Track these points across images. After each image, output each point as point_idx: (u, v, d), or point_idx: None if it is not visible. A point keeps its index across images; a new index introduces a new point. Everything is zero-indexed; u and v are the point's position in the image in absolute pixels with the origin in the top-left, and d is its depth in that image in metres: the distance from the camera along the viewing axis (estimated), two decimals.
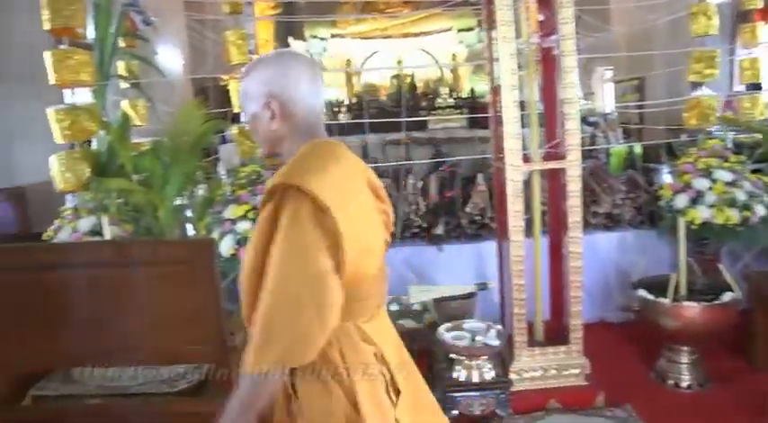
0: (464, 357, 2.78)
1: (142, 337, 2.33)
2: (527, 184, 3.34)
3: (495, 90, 3.63)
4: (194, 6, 7.25)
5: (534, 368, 3.28)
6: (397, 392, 1.53)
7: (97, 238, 3.56)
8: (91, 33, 4.27)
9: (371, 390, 1.46)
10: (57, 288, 2.29)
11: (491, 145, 3.79)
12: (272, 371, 1.32)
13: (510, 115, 3.15)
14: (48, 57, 3.93)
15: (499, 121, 3.33)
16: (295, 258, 1.31)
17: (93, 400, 2.43)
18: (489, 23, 3.64)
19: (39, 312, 2.32)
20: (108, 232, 3.25)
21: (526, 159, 3.27)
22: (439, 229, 4.12)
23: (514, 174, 3.20)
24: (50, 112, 3.95)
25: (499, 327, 2.92)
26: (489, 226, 4.14)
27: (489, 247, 4.05)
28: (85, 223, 3.61)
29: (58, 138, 3.92)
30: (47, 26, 3.90)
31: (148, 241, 2.70)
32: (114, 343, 2.36)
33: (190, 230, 4.03)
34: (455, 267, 4.11)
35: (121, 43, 4.57)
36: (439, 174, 4.60)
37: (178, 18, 7.37)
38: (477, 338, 2.76)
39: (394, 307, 3.42)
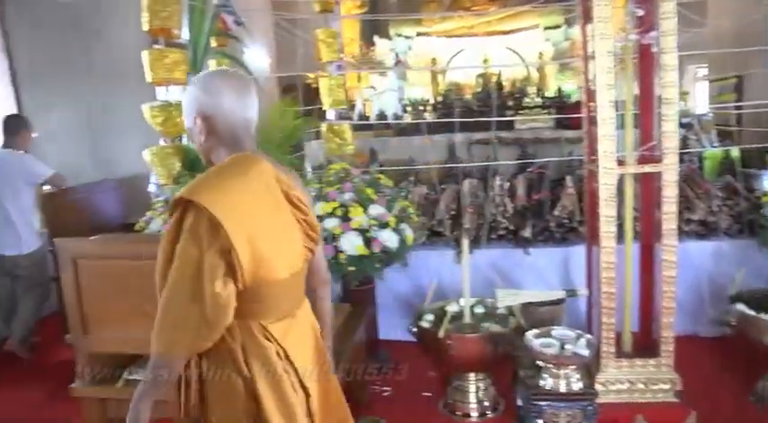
0: (552, 365, 2.68)
1: None
2: (619, 188, 3.20)
3: (589, 89, 3.50)
4: (282, 6, 7.38)
5: (621, 380, 3.13)
6: (307, 395, 1.66)
7: None
8: (185, 34, 4.41)
9: (274, 385, 1.60)
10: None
11: (583, 146, 3.66)
12: (164, 357, 1.51)
13: (605, 116, 3.01)
14: (145, 56, 4.07)
15: (593, 122, 3.20)
16: (188, 267, 1.49)
17: None
18: (585, 20, 3.50)
19: (136, 299, 2.39)
20: None
21: (620, 162, 3.13)
22: (526, 232, 4.01)
23: (608, 177, 3.06)
24: (145, 108, 4.09)
25: (589, 336, 2.81)
26: (578, 230, 4.01)
27: (577, 252, 3.92)
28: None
29: (154, 131, 4.07)
30: (145, 27, 4.03)
31: None
32: None
33: None
34: (541, 271, 4.01)
35: (213, 43, 4.69)
36: (527, 175, 4.48)
37: (266, 17, 7.51)
38: (567, 347, 2.66)
39: (478, 309, 3.35)
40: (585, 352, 2.68)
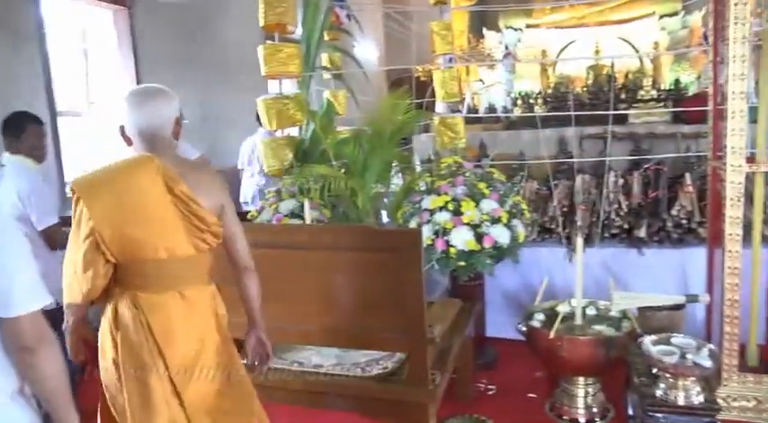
0: (670, 375, 2.56)
1: (344, 320, 2.40)
2: (747, 187, 3.00)
3: (716, 79, 3.31)
4: (393, 2, 7.41)
5: (746, 397, 2.95)
6: (165, 365, 1.88)
7: (297, 222, 3.76)
8: (299, 28, 4.51)
9: (131, 347, 1.87)
10: (271, 265, 2.43)
11: (708, 142, 3.47)
12: (67, 306, 1.95)
13: (736, 109, 2.84)
14: (260, 50, 4.20)
15: (719, 115, 3.02)
16: (73, 241, 1.87)
17: (286, 373, 2.56)
18: (715, 3, 3.30)
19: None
20: (308, 216, 3.39)
21: (749, 159, 2.94)
22: (641, 232, 3.85)
23: (735, 175, 2.89)
24: (260, 100, 4.23)
25: (712, 346, 2.66)
26: (697, 231, 3.81)
27: (695, 255, 3.75)
28: (286, 206, 3.81)
29: (267, 125, 4.19)
30: (261, 23, 4.16)
31: (361, 228, 2.79)
32: (316, 322, 2.46)
33: (384, 218, 4.13)
34: (656, 274, 3.84)
35: (325, 37, 4.78)
36: (642, 172, 4.29)
37: (376, 10, 7.58)
38: (688, 356, 2.53)
39: (591, 311, 3.24)
40: (708, 363, 2.53)
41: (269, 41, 4.53)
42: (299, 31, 4.52)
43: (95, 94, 6.16)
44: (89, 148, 5.98)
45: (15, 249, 1.47)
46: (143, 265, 1.90)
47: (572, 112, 4.30)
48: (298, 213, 3.77)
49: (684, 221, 3.85)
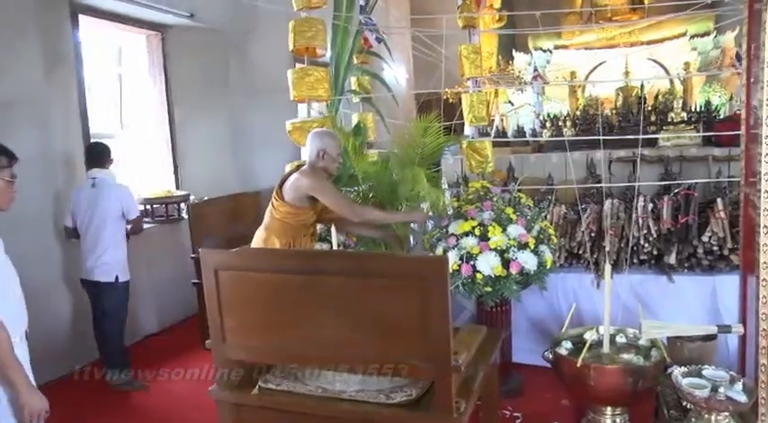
0: (702, 409, 2.49)
1: (369, 346, 2.39)
2: None
3: (749, 102, 3.25)
4: (420, 21, 7.45)
5: None
6: None
7: (324, 246, 3.78)
8: (329, 51, 4.55)
9: None
10: (297, 290, 2.45)
11: (740, 167, 3.41)
12: None
13: None
14: (289, 74, 4.25)
15: (752, 139, 2.96)
16: None
17: (309, 399, 2.55)
18: (750, 23, 3.25)
19: (271, 311, 2.50)
20: (335, 239, 3.40)
21: None
22: (671, 258, 3.79)
23: None
24: (289, 124, 4.27)
25: (747, 380, 2.59)
26: (729, 258, 3.73)
27: (727, 282, 3.67)
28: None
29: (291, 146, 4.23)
30: (291, 47, 4.21)
31: (387, 256, 2.80)
32: (341, 348, 2.45)
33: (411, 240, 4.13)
34: (686, 301, 3.76)
35: (354, 60, 4.82)
36: (672, 196, 4.23)
37: (404, 33, 7.63)
38: (720, 390, 2.46)
39: (619, 339, 3.19)
40: (743, 398, 2.46)
41: (298, 65, 4.59)
42: (328, 54, 4.57)
43: (127, 117, 6.28)
44: (121, 168, 6.09)
45: None
46: None
47: (601, 137, 4.24)
48: (325, 236, 3.79)
49: (716, 248, 3.77)
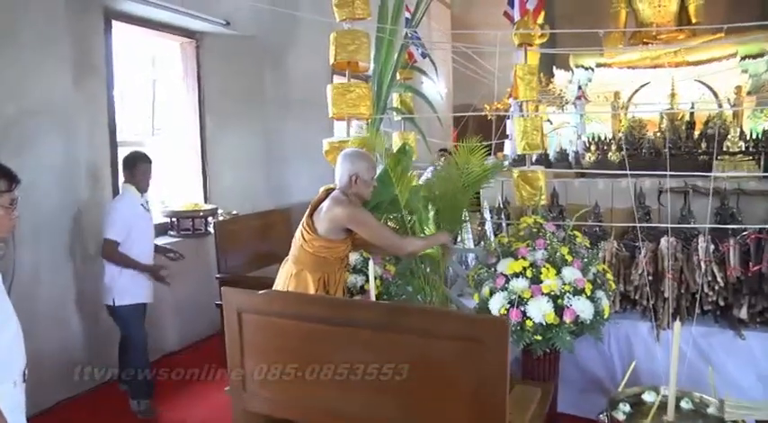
0: None
1: (415, 410, 2.11)
2: None
3: None
4: (461, 36, 7.19)
5: None
6: None
7: (360, 278, 3.50)
8: (371, 66, 4.29)
9: None
10: (331, 343, 2.19)
11: None
12: None
13: None
14: (329, 90, 3.98)
15: None
16: None
17: None
18: None
19: (298, 362, 2.24)
20: (372, 272, 3.11)
21: None
22: (741, 312, 3.44)
23: None
24: (326, 143, 4.01)
25: None
26: None
27: None
28: (351, 260, 3.56)
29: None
30: (332, 60, 3.96)
31: (439, 313, 2.51)
32: (384, 411, 2.18)
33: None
34: (756, 360, 3.40)
35: (398, 76, 4.55)
36: (740, 239, 3.86)
37: (445, 48, 7.37)
38: None
39: (685, 404, 2.84)
40: None
41: (337, 78, 4.31)
42: (371, 68, 4.31)
43: (160, 123, 6.08)
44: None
45: None
46: None
47: (666, 172, 3.89)
48: (361, 268, 3.52)
49: None
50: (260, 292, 2.36)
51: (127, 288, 4.03)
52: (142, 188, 4.15)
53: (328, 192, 3.07)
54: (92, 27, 4.68)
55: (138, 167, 4.11)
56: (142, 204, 4.15)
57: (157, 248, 4.37)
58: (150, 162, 4.17)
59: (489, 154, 4.39)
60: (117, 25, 5.05)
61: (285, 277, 3.08)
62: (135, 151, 4.27)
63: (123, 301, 4.03)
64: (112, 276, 4.02)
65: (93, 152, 4.68)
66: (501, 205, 4.88)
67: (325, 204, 2.98)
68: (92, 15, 4.67)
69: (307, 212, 3.05)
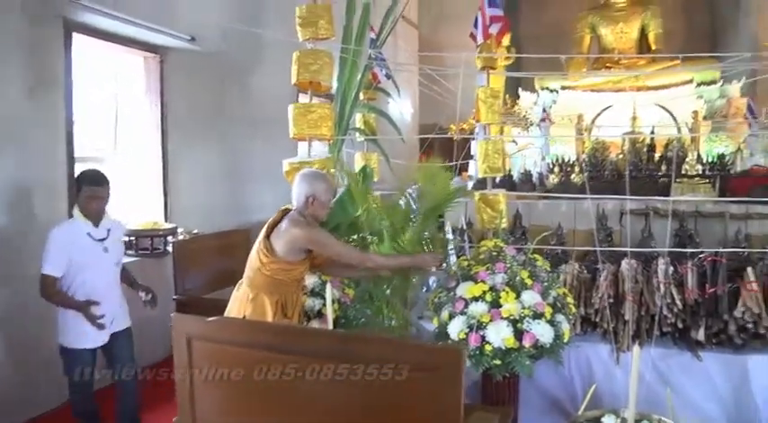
0: None
1: None
2: None
3: None
4: (428, 57, 7.23)
5: None
6: None
7: (318, 301, 3.45)
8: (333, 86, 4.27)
9: None
10: (281, 372, 2.11)
11: None
12: None
13: None
14: (290, 110, 3.95)
15: None
16: None
17: None
18: None
19: (254, 399, 2.16)
20: (329, 296, 3.06)
21: None
22: (699, 334, 3.46)
23: None
24: (286, 163, 3.96)
25: None
26: (765, 337, 3.40)
27: (763, 364, 3.36)
28: (307, 282, 3.51)
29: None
30: (293, 79, 3.93)
31: (389, 340, 2.45)
32: None
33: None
34: (713, 381, 3.43)
35: (361, 96, 4.54)
36: (697, 262, 3.90)
37: (412, 69, 7.40)
38: None
39: None
40: None
41: (303, 98, 4.28)
42: (334, 88, 4.29)
43: (123, 139, 5.97)
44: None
45: None
46: None
47: (626, 196, 3.92)
48: (318, 291, 3.46)
49: (750, 325, 3.43)
50: (210, 318, 2.28)
51: (70, 329, 3.50)
52: (89, 214, 3.53)
53: (284, 212, 3.03)
54: (50, 39, 4.56)
55: (82, 190, 3.52)
56: (89, 233, 3.52)
57: (133, 284, 3.90)
58: (100, 184, 3.55)
59: (454, 173, 4.41)
60: (78, 38, 4.95)
61: (241, 302, 3.01)
62: (85, 170, 3.72)
63: (67, 342, 3.52)
64: (61, 313, 3.52)
65: (49, 169, 4.56)
66: (464, 227, 4.87)
67: (283, 225, 2.93)
68: (50, 27, 4.56)
69: (262, 234, 2.99)
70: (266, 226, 3.00)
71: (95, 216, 3.56)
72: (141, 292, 3.80)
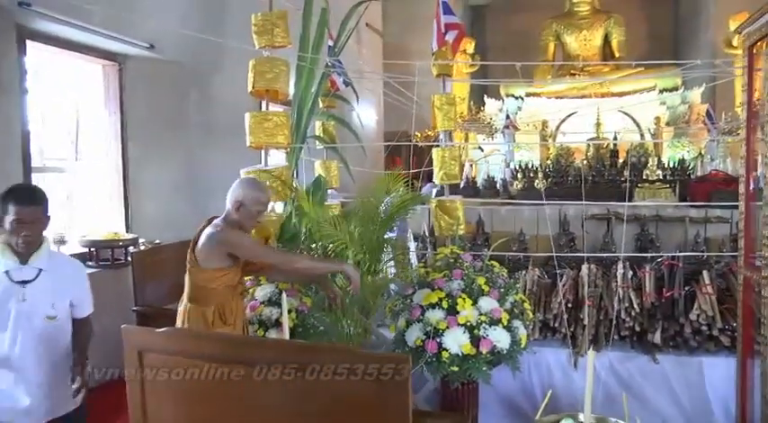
0: None
1: None
2: None
3: (749, 172, 2.98)
4: (392, 64, 7.23)
5: None
6: None
7: (274, 310, 3.40)
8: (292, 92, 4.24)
9: None
10: (224, 386, 2.07)
11: (741, 245, 3.12)
12: None
13: None
14: (247, 118, 3.92)
15: (754, 216, 2.69)
16: None
17: None
18: (750, 72, 3.00)
19: (210, 405, 2.11)
20: (286, 305, 3.01)
21: None
22: (655, 337, 3.48)
23: None
24: (243, 173, 3.93)
25: None
26: (718, 339, 3.44)
27: (716, 365, 3.40)
28: (263, 292, 3.47)
29: None
30: (249, 88, 3.90)
31: (335, 348, 2.43)
32: None
33: None
34: (670, 383, 3.45)
35: (320, 104, 4.52)
36: (655, 266, 3.94)
37: (375, 77, 7.39)
38: None
39: None
40: None
41: (261, 109, 4.25)
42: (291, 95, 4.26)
43: (82, 149, 5.86)
44: (69, 204, 5.66)
45: None
46: None
47: (582, 201, 3.95)
48: (276, 300, 3.41)
49: (704, 327, 3.46)
50: (159, 329, 2.23)
51: None
52: (14, 244, 2.65)
53: (210, 220, 2.97)
54: (4, 46, 4.47)
55: (6, 211, 2.61)
56: (7, 272, 2.64)
57: (80, 354, 2.93)
58: (28, 204, 2.63)
59: (420, 180, 4.41)
60: (33, 45, 4.85)
61: (181, 314, 2.96)
62: (13, 186, 2.79)
63: None
64: None
65: (1, 180, 4.44)
66: (425, 233, 4.87)
67: (205, 233, 2.87)
68: (2, 34, 4.46)
69: (191, 245, 2.93)
70: (194, 236, 2.93)
71: (24, 247, 2.65)
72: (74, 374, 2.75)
